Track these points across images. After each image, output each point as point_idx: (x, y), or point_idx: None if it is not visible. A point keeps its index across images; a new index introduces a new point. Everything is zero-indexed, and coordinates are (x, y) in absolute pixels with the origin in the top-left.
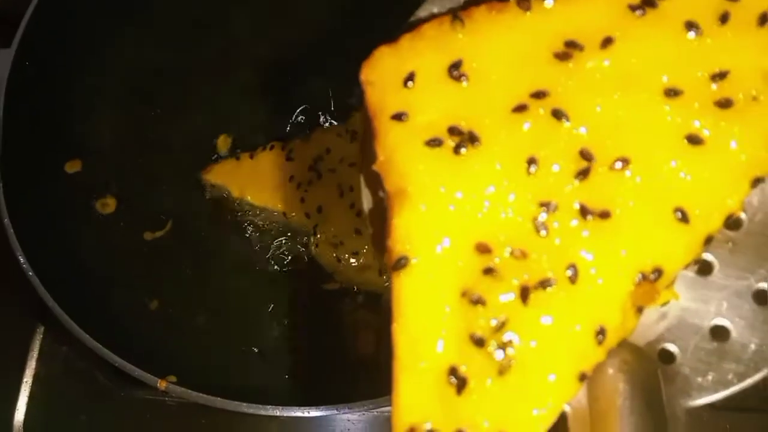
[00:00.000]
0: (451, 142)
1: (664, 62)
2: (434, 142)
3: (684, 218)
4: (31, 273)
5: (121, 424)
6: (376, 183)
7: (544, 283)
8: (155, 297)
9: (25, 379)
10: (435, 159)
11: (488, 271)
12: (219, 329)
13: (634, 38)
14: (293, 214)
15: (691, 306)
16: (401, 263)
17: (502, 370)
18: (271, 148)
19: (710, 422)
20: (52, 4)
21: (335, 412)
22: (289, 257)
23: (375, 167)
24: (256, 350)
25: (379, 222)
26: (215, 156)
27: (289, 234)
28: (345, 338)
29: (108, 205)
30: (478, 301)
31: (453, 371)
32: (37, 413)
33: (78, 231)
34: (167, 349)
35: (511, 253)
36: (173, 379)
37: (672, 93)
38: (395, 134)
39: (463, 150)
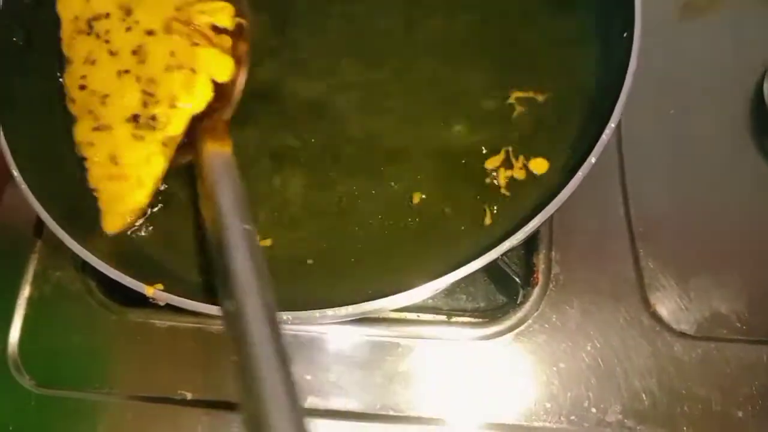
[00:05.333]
0: None
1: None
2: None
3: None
4: (23, 186)
5: (112, 345)
6: None
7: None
8: None
9: (19, 302)
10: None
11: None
12: None
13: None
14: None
15: None
16: None
17: None
18: None
19: (683, 351)
20: None
21: None
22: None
23: None
24: None
25: None
26: None
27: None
28: None
29: None
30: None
31: None
32: (31, 335)
33: None
34: None
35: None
36: (160, 286)
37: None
38: None
39: None
